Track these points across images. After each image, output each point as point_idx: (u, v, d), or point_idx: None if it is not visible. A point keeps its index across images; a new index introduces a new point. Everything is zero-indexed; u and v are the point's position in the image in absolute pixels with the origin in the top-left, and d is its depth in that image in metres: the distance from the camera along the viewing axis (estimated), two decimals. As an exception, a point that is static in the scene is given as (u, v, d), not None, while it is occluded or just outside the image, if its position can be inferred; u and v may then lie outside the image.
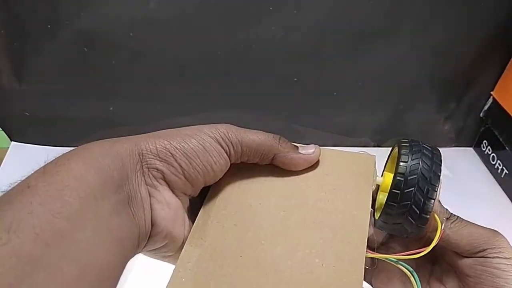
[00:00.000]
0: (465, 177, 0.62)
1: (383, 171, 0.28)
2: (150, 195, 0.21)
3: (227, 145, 0.23)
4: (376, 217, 0.26)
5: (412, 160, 0.23)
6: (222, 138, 0.22)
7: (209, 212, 0.24)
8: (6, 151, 0.65)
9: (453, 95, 0.63)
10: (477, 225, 0.25)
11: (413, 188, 0.22)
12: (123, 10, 0.51)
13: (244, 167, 0.25)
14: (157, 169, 0.21)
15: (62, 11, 0.51)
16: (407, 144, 0.24)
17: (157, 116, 0.63)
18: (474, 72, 0.60)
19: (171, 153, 0.21)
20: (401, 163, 0.23)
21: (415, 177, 0.23)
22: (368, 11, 0.52)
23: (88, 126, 0.64)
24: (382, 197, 0.25)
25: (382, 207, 0.24)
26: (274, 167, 0.25)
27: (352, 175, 0.25)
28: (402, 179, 0.23)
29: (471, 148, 0.70)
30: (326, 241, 0.22)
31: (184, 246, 0.22)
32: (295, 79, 0.59)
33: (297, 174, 0.25)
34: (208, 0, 0.51)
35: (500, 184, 0.62)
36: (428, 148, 0.24)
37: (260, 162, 0.25)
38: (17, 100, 0.60)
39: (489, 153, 0.65)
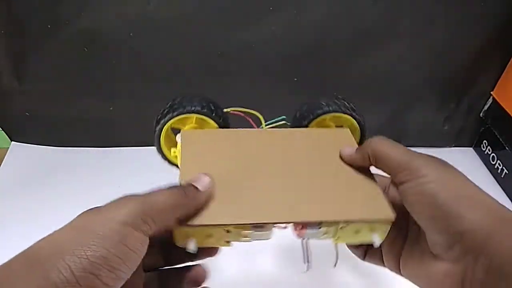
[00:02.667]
0: (465, 177, 0.62)
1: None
2: None
3: (143, 225, 0.20)
4: None
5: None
6: (134, 222, 0.20)
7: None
8: (6, 151, 0.65)
9: (453, 95, 0.63)
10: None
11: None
12: (123, 10, 0.51)
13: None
14: None
15: (62, 11, 0.51)
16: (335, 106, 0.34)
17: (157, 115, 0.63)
18: (474, 72, 0.60)
19: (94, 274, 0.17)
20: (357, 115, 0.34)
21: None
22: (368, 11, 0.52)
23: (88, 126, 0.64)
24: None
25: None
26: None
27: (337, 138, 0.32)
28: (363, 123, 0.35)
29: (471, 148, 0.70)
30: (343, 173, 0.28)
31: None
32: (295, 79, 0.59)
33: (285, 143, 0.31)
34: (208, 0, 0.51)
35: (500, 184, 0.62)
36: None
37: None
38: (17, 100, 0.60)
39: (489, 153, 0.65)
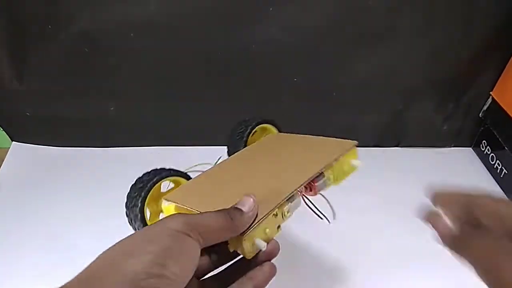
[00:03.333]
0: (464, 177, 0.62)
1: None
2: None
3: (194, 234, 0.22)
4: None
5: None
6: (186, 232, 0.22)
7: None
8: (7, 151, 0.65)
9: (452, 95, 0.63)
10: None
11: None
12: (123, 10, 0.51)
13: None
14: None
15: (62, 11, 0.51)
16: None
17: (157, 116, 0.63)
18: (473, 72, 0.60)
19: (161, 265, 0.20)
20: None
21: None
22: (368, 11, 0.53)
23: (88, 126, 0.64)
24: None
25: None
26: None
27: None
28: None
29: (470, 148, 0.70)
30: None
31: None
32: (295, 79, 0.59)
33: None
34: (208, 0, 0.51)
35: (499, 184, 0.62)
36: None
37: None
38: (17, 100, 0.60)
39: (488, 153, 0.65)
